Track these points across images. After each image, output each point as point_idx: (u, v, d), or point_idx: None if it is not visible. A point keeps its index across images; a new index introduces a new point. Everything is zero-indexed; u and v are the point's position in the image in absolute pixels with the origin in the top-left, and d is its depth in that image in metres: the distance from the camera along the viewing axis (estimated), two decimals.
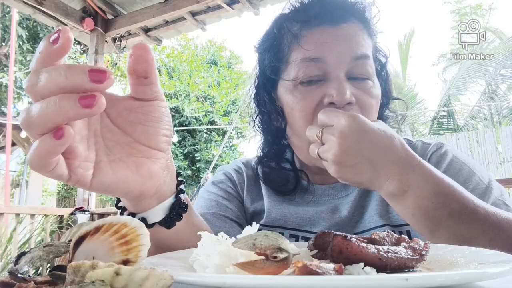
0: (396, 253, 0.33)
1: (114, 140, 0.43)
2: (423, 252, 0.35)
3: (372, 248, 0.32)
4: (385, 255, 0.32)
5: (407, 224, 0.70)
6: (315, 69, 0.69)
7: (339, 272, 0.29)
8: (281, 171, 0.81)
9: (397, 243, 0.37)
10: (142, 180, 0.44)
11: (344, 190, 0.78)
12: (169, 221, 0.50)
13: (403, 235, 0.39)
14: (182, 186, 0.52)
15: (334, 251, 0.32)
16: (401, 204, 0.57)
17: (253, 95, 0.83)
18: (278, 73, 0.76)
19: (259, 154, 0.85)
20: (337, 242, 0.32)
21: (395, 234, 0.39)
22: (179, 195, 0.51)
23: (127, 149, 0.43)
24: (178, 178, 0.52)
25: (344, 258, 0.32)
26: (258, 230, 0.39)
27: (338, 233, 0.33)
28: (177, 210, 0.50)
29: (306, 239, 0.74)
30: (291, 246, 0.34)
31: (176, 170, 0.51)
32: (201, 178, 11.31)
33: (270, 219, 0.78)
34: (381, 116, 0.79)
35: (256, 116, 0.83)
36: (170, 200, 0.50)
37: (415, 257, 0.34)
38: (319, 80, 0.70)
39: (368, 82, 0.71)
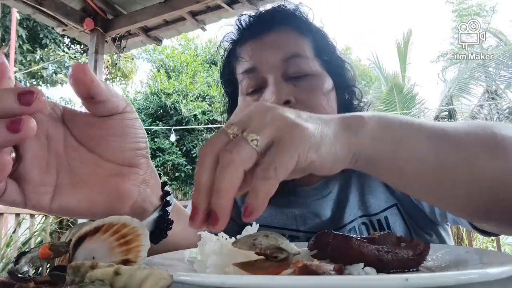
0: (396, 253, 0.33)
1: (79, 159, 0.40)
2: (423, 253, 0.35)
3: (372, 248, 0.32)
4: (385, 255, 0.32)
5: (382, 211, 0.72)
6: (253, 79, 0.76)
7: (339, 272, 0.29)
8: None
9: (397, 243, 0.37)
10: (109, 201, 0.41)
11: (326, 188, 0.80)
12: (154, 237, 0.47)
13: (403, 236, 0.39)
14: (169, 197, 0.49)
15: (334, 251, 0.32)
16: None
17: (225, 116, 0.91)
18: (235, 92, 0.83)
19: None
20: (337, 242, 0.32)
21: (395, 235, 0.39)
22: (166, 208, 0.48)
23: (92, 168, 0.41)
24: (165, 189, 0.49)
25: (344, 258, 0.31)
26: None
27: (338, 233, 0.33)
28: (162, 227, 0.48)
29: (292, 238, 0.76)
30: (291, 246, 0.34)
31: (165, 177, 0.50)
32: None
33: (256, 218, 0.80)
34: (345, 106, 0.82)
35: None
36: (154, 215, 0.47)
37: (415, 258, 0.34)
38: (261, 88, 0.76)
39: (309, 79, 0.74)
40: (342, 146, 0.38)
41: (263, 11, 0.82)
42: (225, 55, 0.85)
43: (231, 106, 0.87)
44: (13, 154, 0.37)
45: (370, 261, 0.31)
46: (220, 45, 0.87)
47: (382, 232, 0.38)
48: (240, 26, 0.82)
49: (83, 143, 0.41)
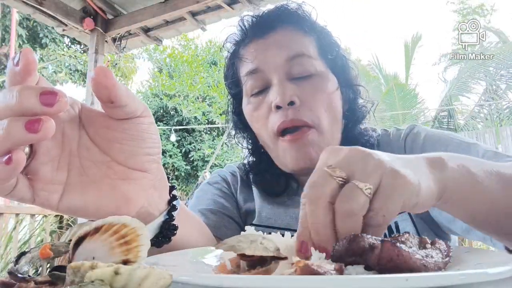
0: (432, 257, 0.32)
1: (91, 160, 0.40)
2: (450, 254, 0.34)
3: (419, 254, 0.30)
4: (428, 260, 0.30)
5: None
6: (257, 80, 0.75)
7: (339, 272, 0.29)
8: (271, 175, 0.83)
9: (421, 244, 0.36)
10: (116, 205, 0.41)
11: None
12: (157, 242, 0.47)
13: (423, 237, 0.37)
14: (175, 202, 0.49)
15: (383, 258, 0.30)
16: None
17: (230, 118, 0.90)
18: (240, 93, 0.83)
19: (246, 162, 0.89)
20: (387, 249, 0.30)
21: (416, 236, 0.37)
22: (172, 212, 0.48)
23: (103, 170, 0.40)
24: (172, 193, 0.49)
25: (393, 266, 0.29)
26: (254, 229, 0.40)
27: (386, 239, 0.31)
28: (165, 233, 0.47)
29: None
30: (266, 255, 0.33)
31: (171, 181, 0.49)
32: (199, 174, 11.32)
33: (260, 218, 0.80)
34: (350, 106, 0.81)
35: (235, 134, 0.90)
36: (159, 220, 0.46)
37: (445, 260, 0.33)
38: (265, 89, 0.75)
39: (313, 78, 0.74)
40: (434, 183, 0.41)
41: (266, 11, 0.81)
42: (228, 57, 0.84)
43: (235, 107, 0.86)
44: (27, 149, 0.37)
45: (417, 268, 0.29)
46: (223, 46, 0.86)
47: (402, 234, 0.37)
48: (243, 26, 0.81)
49: (97, 144, 0.40)
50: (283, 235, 0.41)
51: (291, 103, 0.70)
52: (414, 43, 12.26)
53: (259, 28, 0.78)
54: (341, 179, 0.36)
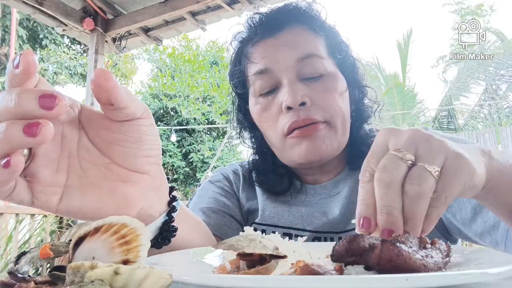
0: (432, 257, 0.32)
1: (90, 161, 0.40)
2: (450, 254, 0.34)
3: (419, 255, 0.30)
4: (428, 260, 0.30)
5: None
6: (267, 80, 0.74)
7: (339, 272, 0.29)
8: (274, 174, 0.83)
9: (421, 244, 0.36)
10: (116, 207, 0.40)
11: (335, 188, 0.79)
12: (157, 243, 0.47)
13: (423, 237, 0.37)
14: (175, 203, 0.48)
15: (383, 258, 0.29)
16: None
17: (234, 115, 0.89)
18: (246, 92, 0.82)
19: (250, 160, 0.88)
20: (387, 249, 0.29)
21: (416, 236, 0.37)
22: (172, 213, 0.47)
23: (103, 172, 0.40)
24: (172, 194, 0.49)
25: (392, 266, 0.29)
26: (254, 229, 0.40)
27: (386, 239, 0.31)
28: (165, 234, 0.47)
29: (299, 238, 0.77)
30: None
31: (171, 181, 0.49)
32: (198, 175, 11.31)
33: (264, 217, 0.79)
34: (357, 105, 0.81)
35: (240, 132, 0.89)
36: (158, 221, 0.46)
37: (445, 260, 0.33)
38: (274, 89, 0.74)
39: (323, 79, 0.73)
40: (484, 169, 0.43)
41: (275, 10, 0.79)
42: (235, 56, 0.83)
43: (241, 105, 0.85)
44: (26, 152, 0.36)
45: (416, 269, 0.29)
46: (230, 44, 0.85)
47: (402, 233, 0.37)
48: (251, 25, 0.79)
49: (96, 145, 0.40)
50: (286, 235, 0.41)
51: (302, 104, 0.70)
52: (406, 41, 12.23)
53: (269, 27, 0.77)
54: (411, 162, 0.38)
